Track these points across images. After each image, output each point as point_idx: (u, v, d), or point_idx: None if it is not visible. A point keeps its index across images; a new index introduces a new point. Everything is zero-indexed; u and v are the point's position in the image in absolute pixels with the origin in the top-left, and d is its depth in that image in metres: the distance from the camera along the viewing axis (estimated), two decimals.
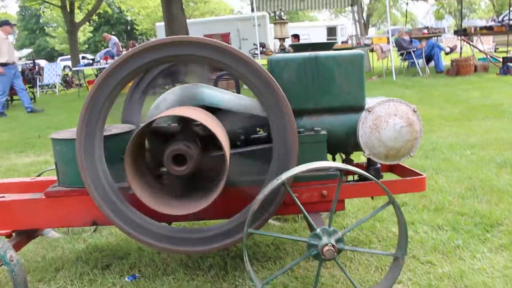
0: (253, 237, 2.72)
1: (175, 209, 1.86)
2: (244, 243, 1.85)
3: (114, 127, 2.37)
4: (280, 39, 2.26)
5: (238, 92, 2.57)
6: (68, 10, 23.77)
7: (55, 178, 2.32)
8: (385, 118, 2.04)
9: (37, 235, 2.56)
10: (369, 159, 2.37)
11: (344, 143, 2.24)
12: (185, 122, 2.09)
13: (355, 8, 23.85)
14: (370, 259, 2.36)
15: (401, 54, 13.12)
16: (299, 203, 1.82)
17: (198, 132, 2.07)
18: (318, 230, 1.84)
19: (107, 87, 1.95)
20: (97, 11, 25.51)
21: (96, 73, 15.66)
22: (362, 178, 2.40)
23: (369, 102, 2.20)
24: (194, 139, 2.00)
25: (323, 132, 2.13)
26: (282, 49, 2.24)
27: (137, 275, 2.34)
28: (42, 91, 16.34)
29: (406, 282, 2.12)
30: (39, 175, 3.00)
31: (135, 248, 2.66)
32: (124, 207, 2.04)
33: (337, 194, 1.81)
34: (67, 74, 18.11)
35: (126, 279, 2.31)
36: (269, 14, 20.50)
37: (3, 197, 2.28)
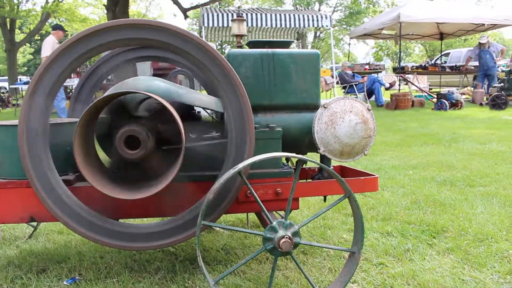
0: (203, 243, 2.62)
1: (126, 195, 1.75)
2: (197, 235, 1.76)
3: (60, 119, 2.24)
4: (237, 36, 2.25)
5: (192, 88, 2.52)
6: (8, 28, 22.86)
7: None
8: (340, 114, 2.06)
9: None
10: (322, 161, 2.37)
11: (298, 141, 2.23)
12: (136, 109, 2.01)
13: (300, 43, 24.75)
14: (323, 261, 2.33)
15: (344, 87, 13.64)
16: (254, 192, 1.77)
17: (151, 120, 2.00)
18: (274, 223, 1.79)
19: (57, 67, 1.84)
20: (40, 32, 24.63)
21: None
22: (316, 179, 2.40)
23: (323, 101, 2.22)
24: (147, 127, 1.91)
25: (278, 128, 2.12)
26: (239, 46, 2.23)
27: (77, 277, 2.16)
28: None
29: (361, 281, 2.09)
30: None
31: (75, 252, 2.47)
32: (68, 200, 1.90)
33: (296, 180, 1.78)
34: (3, 93, 17.22)
35: (65, 282, 2.12)
36: (216, 46, 20.79)
37: None
